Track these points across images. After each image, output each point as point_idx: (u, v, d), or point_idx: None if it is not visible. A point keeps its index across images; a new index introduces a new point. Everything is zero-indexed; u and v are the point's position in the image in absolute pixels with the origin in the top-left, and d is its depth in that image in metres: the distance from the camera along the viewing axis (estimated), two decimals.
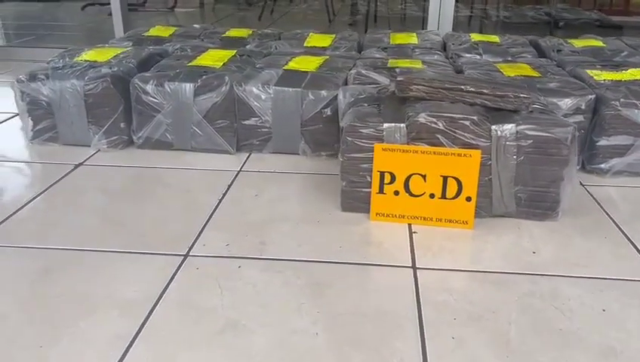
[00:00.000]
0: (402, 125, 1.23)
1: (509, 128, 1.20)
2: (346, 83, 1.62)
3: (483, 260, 1.12)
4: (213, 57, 1.79)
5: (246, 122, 1.61)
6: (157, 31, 2.26)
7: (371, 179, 1.24)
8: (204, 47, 1.99)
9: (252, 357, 0.86)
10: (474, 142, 1.20)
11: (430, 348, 0.87)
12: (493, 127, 1.21)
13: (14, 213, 1.29)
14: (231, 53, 1.85)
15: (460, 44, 2.06)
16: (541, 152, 1.21)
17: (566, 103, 1.48)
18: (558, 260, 1.12)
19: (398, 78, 1.34)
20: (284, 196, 1.39)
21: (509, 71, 1.67)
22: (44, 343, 0.88)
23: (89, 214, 1.29)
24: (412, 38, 2.17)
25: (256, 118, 1.60)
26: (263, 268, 1.08)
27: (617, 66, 1.71)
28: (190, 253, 1.13)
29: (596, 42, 2.06)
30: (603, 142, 1.48)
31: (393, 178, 1.23)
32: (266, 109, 1.59)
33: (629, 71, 1.64)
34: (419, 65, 1.74)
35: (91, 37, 3.69)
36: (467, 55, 1.94)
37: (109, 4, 2.81)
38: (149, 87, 1.59)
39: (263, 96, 1.58)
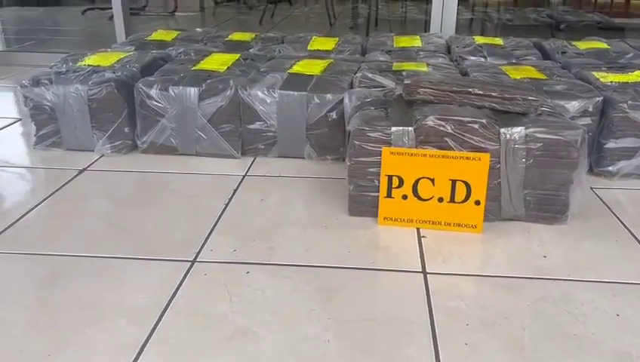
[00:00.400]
0: (410, 129, 1.22)
1: (518, 131, 1.19)
2: (351, 86, 1.61)
3: (493, 265, 1.11)
4: (217, 61, 1.78)
5: (251, 126, 1.60)
6: (159, 35, 2.25)
7: (379, 183, 1.23)
8: (207, 51, 1.98)
9: None
10: (483, 145, 1.19)
11: (443, 355, 0.86)
12: (503, 130, 1.20)
13: (19, 219, 1.28)
14: (235, 57, 1.83)
15: (464, 47, 2.05)
16: (550, 155, 1.20)
17: (573, 106, 1.47)
18: (568, 264, 1.11)
19: (406, 81, 1.33)
20: (291, 200, 1.38)
21: (515, 73, 1.66)
22: (51, 351, 0.86)
23: (94, 220, 1.28)
24: (416, 41, 2.16)
25: (262, 122, 1.59)
26: (272, 273, 1.07)
27: (623, 68, 1.70)
28: (197, 259, 1.12)
29: (600, 44, 2.05)
30: (611, 144, 1.47)
31: (401, 182, 1.22)
32: (271, 113, 1.58)
33: (635, 73, 1.63)
34: (424, 68, 1.73)
35: (92, 41, 3.68)
36: (472, 58, 1.94)
37: (109, 8, 2.80)
38: (153, 92, 1.58)
39: (268, 100, 1.57)
